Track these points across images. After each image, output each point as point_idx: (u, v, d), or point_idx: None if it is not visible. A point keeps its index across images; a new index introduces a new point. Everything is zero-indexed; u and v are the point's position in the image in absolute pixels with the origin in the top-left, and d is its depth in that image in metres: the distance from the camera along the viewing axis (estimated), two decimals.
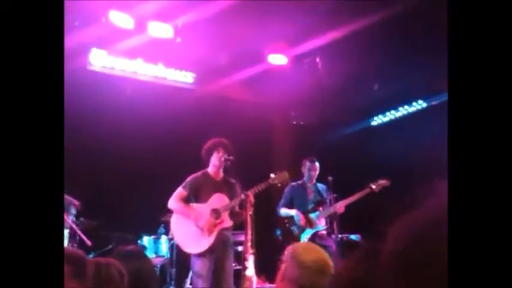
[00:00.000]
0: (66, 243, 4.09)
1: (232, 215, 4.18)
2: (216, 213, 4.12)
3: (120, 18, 5.51)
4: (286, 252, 2.04)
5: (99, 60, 5.91)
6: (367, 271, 1.23)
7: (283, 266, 2.02)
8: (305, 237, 4.94)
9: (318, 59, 6.44)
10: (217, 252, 4.09)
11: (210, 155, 4.27)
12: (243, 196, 4.02)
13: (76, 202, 4.14)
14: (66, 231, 4.16)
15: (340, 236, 4.95)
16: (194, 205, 4.18)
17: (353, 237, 5.69)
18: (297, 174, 5.30)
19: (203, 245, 4.04)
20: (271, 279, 5.29)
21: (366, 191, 5.01)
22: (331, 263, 2.02)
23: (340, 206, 4.88)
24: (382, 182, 5.06)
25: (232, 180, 4.31)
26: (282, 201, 5.21)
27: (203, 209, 4.13)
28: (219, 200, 4.15)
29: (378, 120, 7.48)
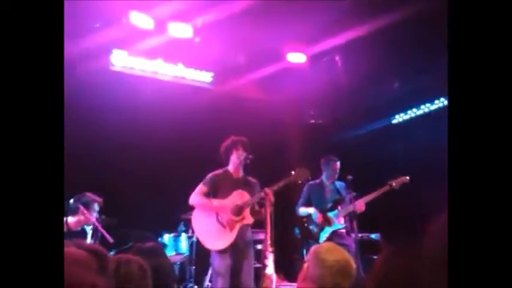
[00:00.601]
0: (89, 240, 4.17)
1: (253, 212, 4.18)
2: (237, 209, 4.12)
3: (140, 19, 5.59)
4: (309, 252, 2.06)
5: (120, 61, 6.01)
6: (402, 268, 1.23)
7: (305, 266, 2.03)
8: (324, 235, 4.93)
9: (337, 57, 6.40)
10: (238, 250, 4.09)
11: (229, 153, 4.27)
12: (263, 194, 4.02)
13: (99, 199, 4.22)
14: (89, 228, 4.24)
15: (359, 235, 4.91)
16: (215, 200, 4.19)
17: (373, 236, 5.65)
18: (314, 173, 5.28)
19: (224, 242, 4.04)
20: (289, 278, 5.29)
21: (385, 188, 4.95)
22: (353, 264, 2.03)
23: (360, 204, 4.84)
24: (402, 178, 5.00)
25: (252, 179, 4.31)
26: (301, 200, 5.20)
27: (225, 204, 4.14)
28: (240, 196, 4.15)
29: (398, 118, 7.40)
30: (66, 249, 0.81)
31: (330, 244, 2.25)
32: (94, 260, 0.83)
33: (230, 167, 4.30)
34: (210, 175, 4.28)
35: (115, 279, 1.58)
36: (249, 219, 4.15)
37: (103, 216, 4.40)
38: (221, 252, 4.05)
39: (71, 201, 4.14)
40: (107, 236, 3.93)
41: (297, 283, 2.11)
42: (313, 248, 2.08)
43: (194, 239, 5.15)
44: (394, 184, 4.95)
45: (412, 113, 7.23)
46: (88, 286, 0.76)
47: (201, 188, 4.22)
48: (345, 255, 2.05)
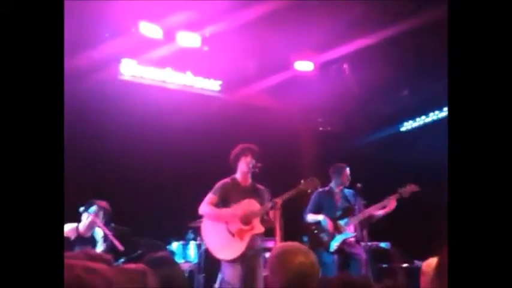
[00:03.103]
0: (99, 248, 4.19)
1: (262, 221, 4.15)
2: (246, 218, 4.11)
3: (149, 29, 5.64)
4: (268, 263, 1.94)
5: (129, 70, 6.06)
6: None
7: (268, 279, 1.93)
8: (334, 244, 4.89)
9: (345, 65, 6.41)
10: (248, 260, 4.06)
11: (238, 160, 4.26)
12: (272, 203, 4.00)
13: (106, 205, 4.24)
14: (99, 236, 4.26)
15: (369, 243, 4.87)
16: (225, 210, 4.17)
17: (383, 245, 5.60)
18: (323, 181, 5.26)
19: (235, 251, 4.02)
20: None
21: (395, 196, 4.92)
22: (312, 259, 1.92)
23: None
24: (411, 187, 4.96)
25: (261, 187, 4.30)
26: (309, 207, 5.16)
27: (234, 213, 4.12)
28: (249, 205, 4.13)
29: (407, 126, 7.37)
30: (93, 265, 0.80)
31: (284, 249, 2.02)
32: (123, 277, 0.82)
33: (238, 175, 4.28)
34: (219, 184, 4.26)
35: None
36: (259, 229, 4.12)
37: (113, 225, 4.42)
38: (232, 261, 4.03)
39: (81, 209, 4.17)
40: (117, 243, 3.94)
41: None
42: (269, 258, 1.97)
43: (203, 247, 5.15)
44: (402, 192, 4.92)
45: (421, 120, 7.20)
46: None
47: (210, 197, 4.20)
48: (301, 256, 1.90)
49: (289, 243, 2.14)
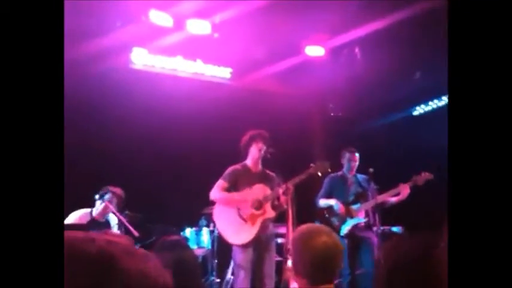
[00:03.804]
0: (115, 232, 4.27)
1: (274, 206, 4.19)
2: (258, 203, 4.15)
3: (159, 17, 5.65)
4: (291, 245, 1.95)
5: (140, 59, 6.09)
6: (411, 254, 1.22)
7: (291, 261, 1.93)
8: (345, 228, 4.91)
9: (356, 50, 6.35)
10: (260, 244, 4.11)
11: (248, 146, 4.28)
12: (283, 188, 4.03)
13: (120, 192, 4.30)
14: (114, 223, 4.34)
15: (381, 228, 4.88)
16: (236, 194, 4.22)
17: (394, 229, 5.60)
18: (336, 166, 5.25)
19: (247, 236, 4.07)
20: None
21: (409, 184, 4.91)
22: (335, 239, 1.92)
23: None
24: (425, 175, 4.94)
25: (271, 173, 4.32)
26: (321, 192, 5.17)
27: (245, 198, 4.16)
28: (260, 190, 4.17)
29: (419, 109, 7.30)
30: (113, 238, 0.81)
31: (305, 230, 2.02)
32: (140, 249, 0.83)
33: (249, 161, 4.31)
34: (229, 170, 4.30)
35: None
36: (271, 213, 4.16)
37: (127, 212, 4.49)
38: (243, 246, 4.08)
39: (96, 196, 4.25)
40: (132, 229, 4.01)
41: (293, 278, 2.03)
42: (291, 240, 1.97)
43: (216, 233, 5.21)
44: (417, 180, 4.90)
45: (434, 104, 7.12)
46: (144, 275, 0.77)
47: (221, 183, 4.24)
48: (325, 236, 1.91)
49: (312, 224, 2.18)
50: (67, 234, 0.78)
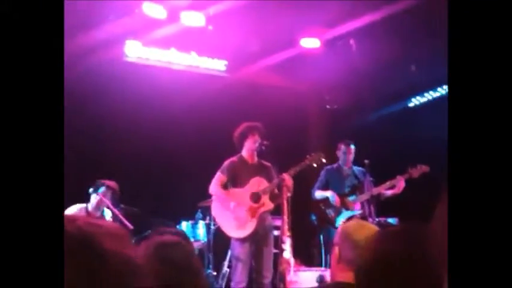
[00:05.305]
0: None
1: (272, 198, 4.24)
2: (256, 196, 4.18)
3: (153, 9, 5.59)
4: (337, 234, 1.97)
5: (134, 52, 6.04)
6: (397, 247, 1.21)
7: (336, 249, 1.95)
8: (341, 220, 4.92)
9: (351, 41, 6.32)
10: (258, 237, 4.16)
11: (244, 139, 4.31)
12: (279, 179, 4.07)
13: (114, 186, 4.28)
14: (108, 216, 4.32)
15: (377, 219, 4.90)
16: (234, 190, 4.25)
17: (390, 220, 5.61)
18: (332, 159, 5.26)
19: (247, 229, 4.12)
20: (307, 263, 5.31)
21: (404, 176, 4.92)
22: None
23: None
24: (421, 167, 4.95)
25: (267, 164, 4.34)
26: (317, 184, 5.18)
27: (243, 193, 4.19)
28: (258, 183, 4.22)
29: (415, 101, 7.29)
30: (96, 221, 0.81)
31: (357, 222, 2.16)
32: (126, 233, 0.83)
33: (244, 153, 4.33)
34: (226, 163, 4.32)
35: (156, 263, 1.44)
36: (269, 205, 4.22)
37: (122, 205, 4.48)
38: (242, 239, 4.11)
39: (90, 190, 4.23)
40: (126, 222, 4.00)
41: (331, 269, 2.04)
42: (340, 229, 2.00)
43: (212, 226, 5.21)
44: (412, 173, 4.91)
45: (429, 95, 7.12)
46: (123, 257, 0.76)
47: (220, 177, 4.28)
48: (374, 230, 1.91)
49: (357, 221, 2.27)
50: None
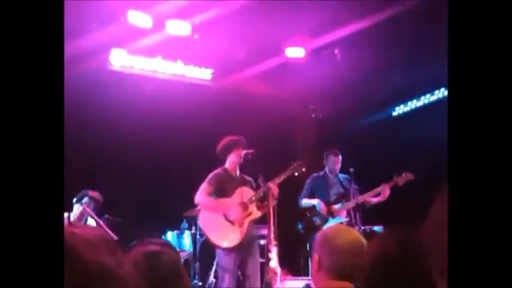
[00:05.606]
0: None
1: (259, 206, 4.27)
2: (244, 205, 4.21)
3: (138, 18, 5.58)
4: (316, 240, 1.92)
5: (119, 60, 6.00)
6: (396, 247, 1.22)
7: (316, 256, 1.91)
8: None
9: (336, 51, 6.38)
10: (245, 246, 4.17)
11: (228, 152, 4.36)
12: (265, 187, 4.10)
13: (97, 196, 4.24)
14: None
15: (363, 227, 4.92)
16: (223, 199, 4.26)
17: (376, 228, 5.64)
18: (318, 167, 5.28)
19: (236, 238, 4.13)
20: (294, 272, 5.30)
21: (389, 184, 4.96)
22: (364, 241, 1.91)
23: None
24: (407, 175, 4.99)
25: (247, 177, 4.40)
26: (303, 192, 5.20)
27: (231, 202, 4.21)
28: (244, 193, 4.24)
29: (398, 110, 7.38)
30: (71, 228, 0.81)
31: (336, 227, 2.12)
32: (101, 240, 0.82)
33: (228, 166, 4.37)
34: (212, 174, 4.35)
35: (144, 272, 1.44)
36: (257, 214, 4.26)
37: (106, 216, 4.42)
38: (229, 249, 4.11)
39: (74, 199, 4.18)
40: (110, 233, 3.94)
41: (311, 276, 2.00)
42: (319, 235, 1.96)
43: (198, 236, 5.18)
44: (398, 181, 4.95)
45: (412, 104, 7.21)
46: (93, 264, 0.76)
47: (206, 187, 4.29)
48: (354, 234, 1.92)
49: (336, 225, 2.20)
50: None
